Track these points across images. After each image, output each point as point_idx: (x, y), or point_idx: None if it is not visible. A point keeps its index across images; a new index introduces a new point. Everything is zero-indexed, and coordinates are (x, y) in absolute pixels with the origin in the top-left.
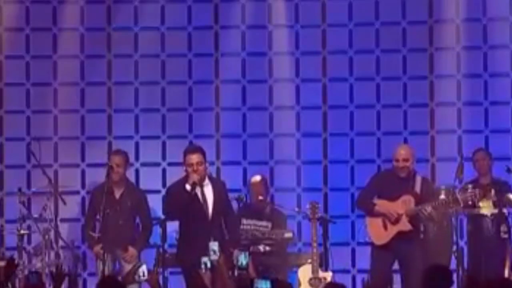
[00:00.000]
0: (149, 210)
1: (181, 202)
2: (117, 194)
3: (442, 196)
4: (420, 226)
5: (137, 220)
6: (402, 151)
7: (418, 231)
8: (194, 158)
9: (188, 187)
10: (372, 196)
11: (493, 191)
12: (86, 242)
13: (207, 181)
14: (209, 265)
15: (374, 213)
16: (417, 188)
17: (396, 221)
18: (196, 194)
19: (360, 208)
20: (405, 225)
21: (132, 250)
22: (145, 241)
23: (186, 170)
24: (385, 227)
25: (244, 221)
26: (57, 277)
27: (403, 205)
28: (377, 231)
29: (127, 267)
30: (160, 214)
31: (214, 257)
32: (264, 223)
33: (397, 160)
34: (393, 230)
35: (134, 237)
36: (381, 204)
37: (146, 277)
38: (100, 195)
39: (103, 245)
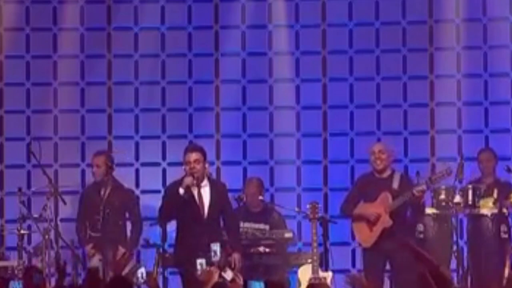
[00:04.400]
0: (137, 208)
1: (177, 203)
2: (105, 194)
3: (442, 196)
4: (402, 220)
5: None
6: (376, 145)
7: (400, 225)
8: (193, 156)
9: (181, 190)
10: (354, 201)
11: (495, 192)
12: (78, 242)
13: (205, 181)
14: (204, 265)
15: (355, 217)
16: (395, 185)
17: (377, 220)
18: (192, 195)
19: (343, 215)
20: (386, 221)
21: (122, 250)
22: (135, 240)
23: (185, 169)
24: (370, 229)
25: (240, 224)
26: (60, 272)
27: (381, 203)
28: (364, 234)
29: (124, 269)
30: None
31: (215, 258)
32: (261, 226)
33: (373, 153)
34: (377, 229)
35: (124, 237)
36: (360, 207)
37: (144, 279)
38: (88, 195)
39: (94, 245)
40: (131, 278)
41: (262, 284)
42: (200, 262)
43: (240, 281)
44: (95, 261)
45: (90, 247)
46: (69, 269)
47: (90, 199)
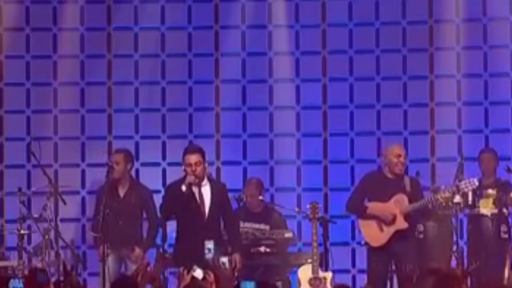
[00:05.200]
0: (154, 207)
1: (178, 201)
2: (121, 192)
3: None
4: (415, 223)
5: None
6: (401, 147)
7: (413, 228)
8: (193, 158)
9: (184, 187)
10: (361, 198)
11: (494, 191)
12: (94, 241)
13: (205, 181)
14: (200, 277)
15: (366, 216)
16: (408, 187)
17: (392, 221)
18: (193, 194)
19: (350, 212)
20: (402, 223)
21: (138, 251)
22: (151, 240)
23: (184, 170)
24: (381, 229)
25: (241, 223)
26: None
27: (396, 204)
28: (373, 233)
29: (133, 267)
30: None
31: (209, 255)
32: (262, 226)
33: (399, 156)
34: (390, 230)
35: (141, 236)
36: (373, 206)
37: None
38: (105, 193)
39: (109, 245)
40: (136, 278)
41: (252, 284)
42: (197, 274)
43: (211, 278)
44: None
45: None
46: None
47: (107, 197)
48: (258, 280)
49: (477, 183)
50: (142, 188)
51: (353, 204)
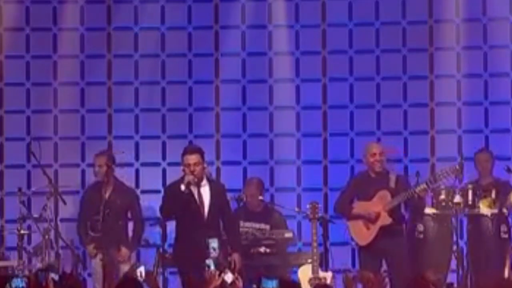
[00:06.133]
0: (140, 209)
1: (177, 201)
2: (106, 194)
3: (442, 196)
4: (402, 220)
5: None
6: (377, 145)
7: (403, 226)
8: (192, 159)
9: (182, 187)
10: (349, 199)
11: (493, 192)
12: (80, 241)
13: (204, 181)
14: (212, 266)
15: (352, 216)
16: (392, 184)
17: (376, 218)
18: (192, 194)
19: (338, 213)
20: (385, 219)
21: (124, 251)
22: (136, 241)
23: (183, 170)
24: (367, 227)
25: (241, 223)
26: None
27: (379, 201)
28: (360, 232)
29: (123, 268)
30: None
31: (214, 254)
32: (262, 225)
33: (374, 154)
34: (375, 228)
35: (126, 237)
36: (358, 206)
37: (143, 277)
38: (90, 195)
39: (96, 245)
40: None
41: (275, 282)
42: (208, 262)
43: (240, 283)
44: (97, 261)
45: (92, 247)
46: (67, 269)
47: (91, 199)
48: (280, 279)
49: (458, 167)
50: (127, 189)
51: (340, 206)
